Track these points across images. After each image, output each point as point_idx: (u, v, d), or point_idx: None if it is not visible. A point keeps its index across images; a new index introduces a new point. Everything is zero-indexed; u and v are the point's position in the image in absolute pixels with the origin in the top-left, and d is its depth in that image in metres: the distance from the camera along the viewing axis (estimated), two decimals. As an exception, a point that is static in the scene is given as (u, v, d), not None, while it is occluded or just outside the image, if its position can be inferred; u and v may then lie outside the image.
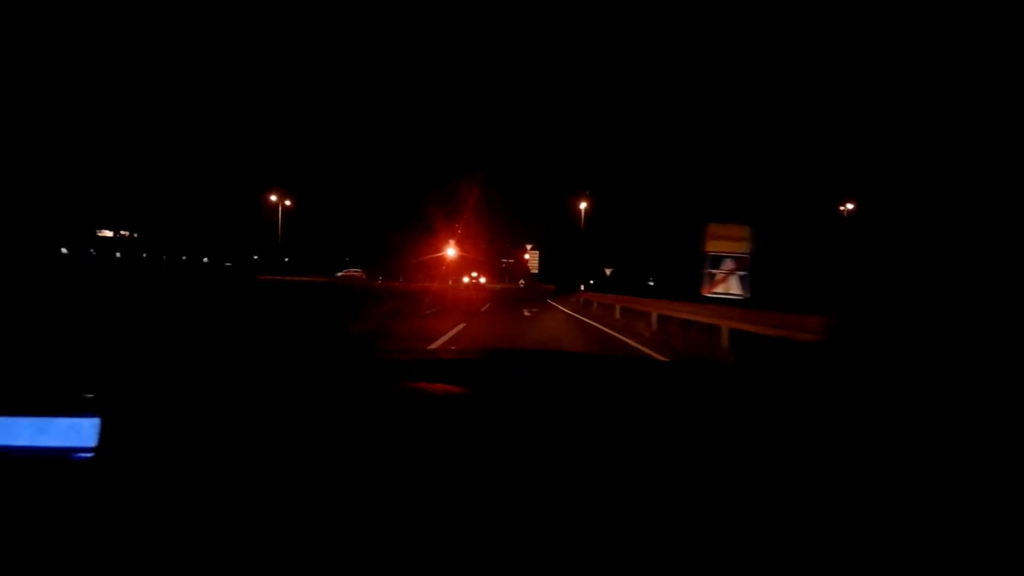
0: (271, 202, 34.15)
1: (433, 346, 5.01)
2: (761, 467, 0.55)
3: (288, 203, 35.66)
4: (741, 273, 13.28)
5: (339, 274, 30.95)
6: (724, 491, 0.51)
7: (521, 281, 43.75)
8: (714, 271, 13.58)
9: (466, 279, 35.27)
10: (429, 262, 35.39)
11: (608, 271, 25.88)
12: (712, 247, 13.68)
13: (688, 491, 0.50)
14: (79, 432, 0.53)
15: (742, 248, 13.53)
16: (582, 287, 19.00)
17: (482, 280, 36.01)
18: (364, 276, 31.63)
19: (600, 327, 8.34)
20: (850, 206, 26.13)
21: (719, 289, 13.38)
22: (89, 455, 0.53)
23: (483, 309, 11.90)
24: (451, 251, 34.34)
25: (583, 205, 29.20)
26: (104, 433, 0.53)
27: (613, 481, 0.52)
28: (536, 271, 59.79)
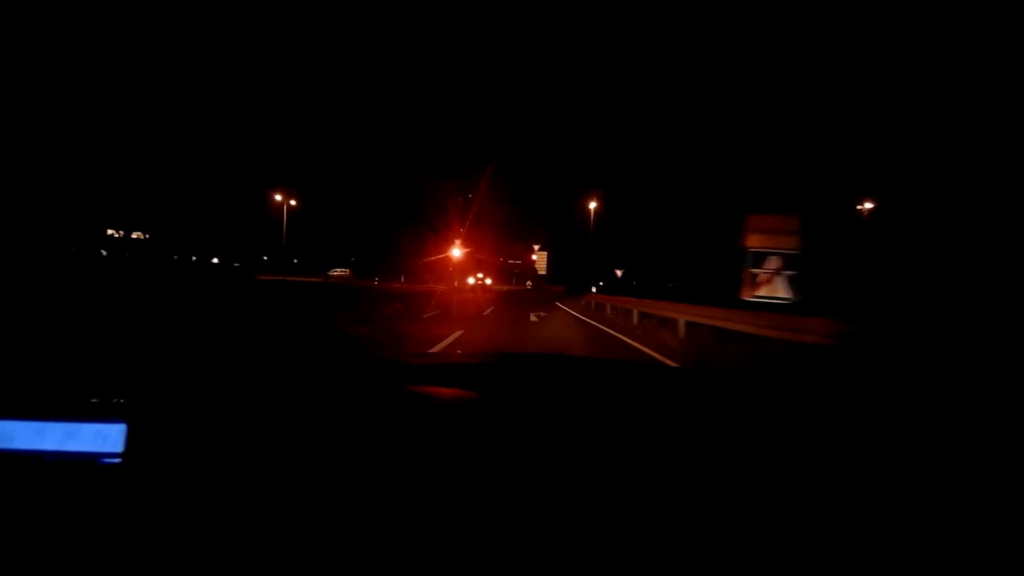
0: (276, 202, 33.73)
1: (433, 350, 4.75)
2: (765, 475, 0.55)
3: (293, 203, 35.26)
4: (789, 273, 11.21)
5: (331, 273, 30.81)
6: (729, 497, 0.51)
7: (528, 283, 42.50)
8: (756, 271, 11.53)
9: (471, 280, 34.09)
10: (434, 263, 34.48)
11: (619, 272, 24.70)
12: (754, 242, 11.57)
13: (696, 499, 0.51)
14: (107, 438, 0.55)
15: (789, 244, 11.34)
16: (593, 289, 17.73)
17: (488, 281, 34.81)
18: (350, 275, 31.29)
19: (619, 336, 7.31)
20: (869, 205, 24.58)
21: (762, 292, 11.36)
22: (116, 460, 0.54)
23: (485, 313, 10.92)
24: (456, 251, 33.32)
25: (593, 205, 28.32)
26: (130, 438, 0.55)
27: (620, 488, 0.52)
28: (544, 272, 58.43)
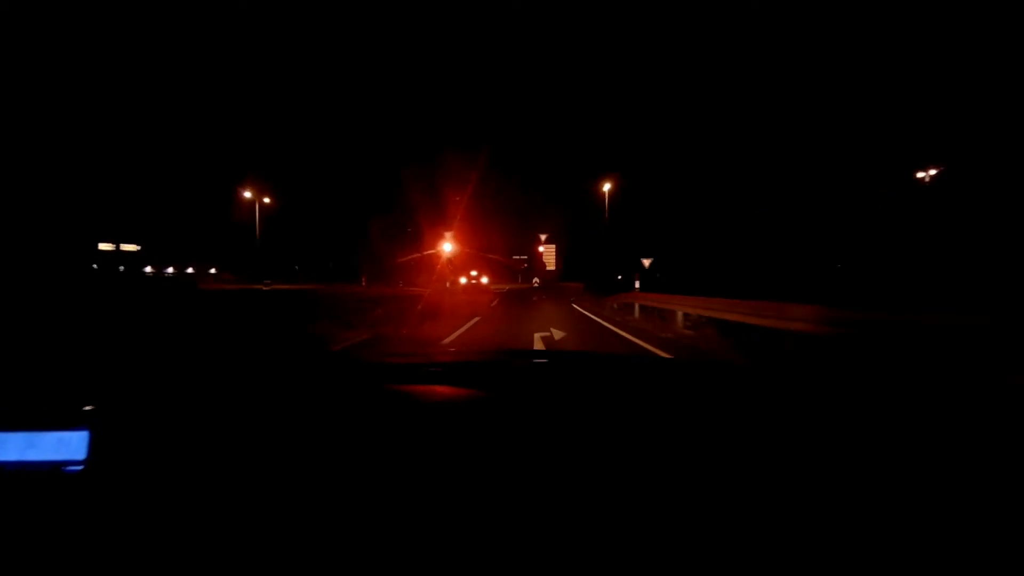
0: (251, 204, 29.44)
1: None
2: (765, 467, 0.54)
3: (267, 200, 31.01)
4: None
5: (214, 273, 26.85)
6: (738, 493, 0.50)
7: (535, 280, 36.86)
8: None
9: (464, 280, 28.66)
10: (421, 260, 29.41)
11: (646, 262, 19.19)
12: None
13: (703, 495, 0.49)
14: (68, 445, 0.54)
15: None
16: (636, 284, 12.13)
17: (484, 280, 29.32)
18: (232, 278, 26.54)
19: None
20: (933, 172, 19.27)
21: None
22: (79, 468, 0.53)
23: (448, 340, 5.81)
24: (448, 246, 28.09)
25: (607, 187, 23.26)
26: (94, 446, 0.54)
27: (627, 482, 0.51)
28: (553, 268, 52.50)
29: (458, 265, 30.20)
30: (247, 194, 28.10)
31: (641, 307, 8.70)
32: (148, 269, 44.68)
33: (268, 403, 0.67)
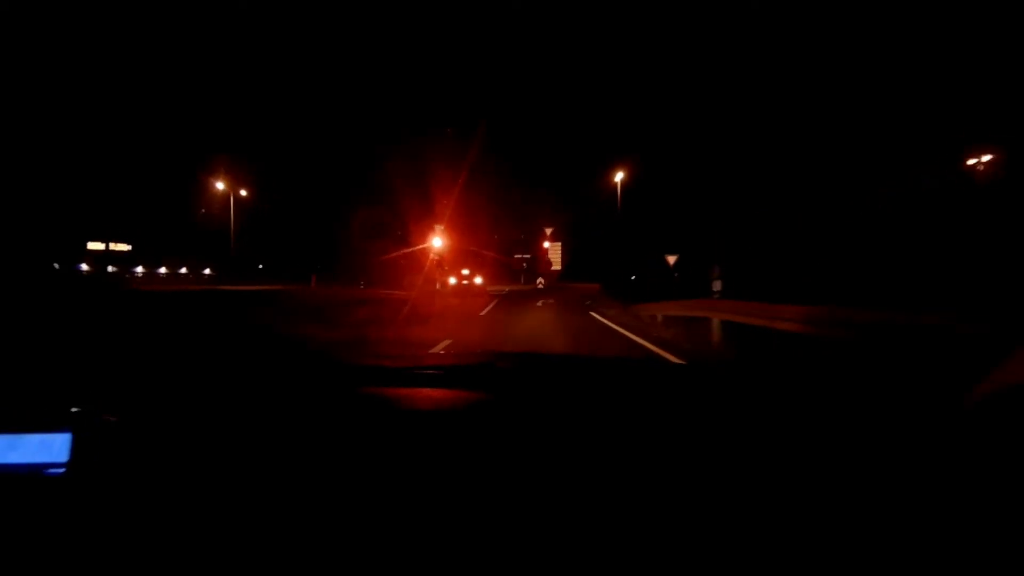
0: (223, 195, 26.55)
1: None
2: (769, 469, 0.53)
3: (243, 193, 28.12)
4: None
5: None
6: (739, 496, 0.50)
7: (540, 280, 33.69)
8: None
9: (453, 280, 25.28)
10: (406, 258, 26.14)
11: (671, 259, 15.64)
12: None
13: (703, 498, 0.49)
14: (51, 448, 0.54)
15: None
16: (717, 287, 8.29)
17: (478, 280, 25.93)
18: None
19: None
20: (987, 158, 15.91)
21: None
22: (61, 471, 0.53)
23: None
24: (437, 241, 24.79)
25: (620, 176, 20.15)
26: (76, 448, 0.54)
27: (626, 486, 0.51)
28: (558, 268, 49.38)
29: (450, 263, 26.86)
30: (220, 185, 25.41)
31: (735, 327, 5.36)
32: (139, 269, 42.43)
33: (244, 404, 0.66)
